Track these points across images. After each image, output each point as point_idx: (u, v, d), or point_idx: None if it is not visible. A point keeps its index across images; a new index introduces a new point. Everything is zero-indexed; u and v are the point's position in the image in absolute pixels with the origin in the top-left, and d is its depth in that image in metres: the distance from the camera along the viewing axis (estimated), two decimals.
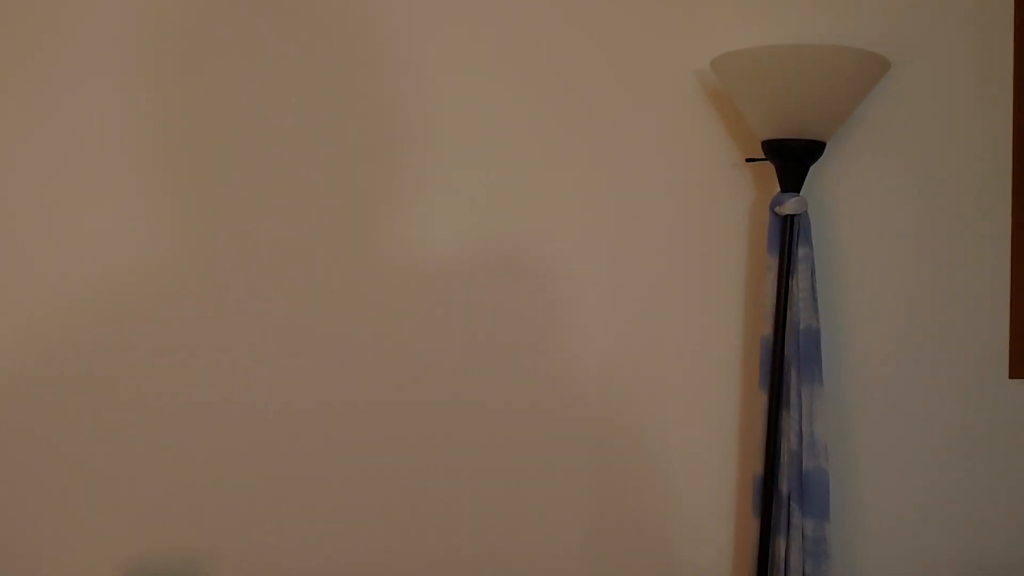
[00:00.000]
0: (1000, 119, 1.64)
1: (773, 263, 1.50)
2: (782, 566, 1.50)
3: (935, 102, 1.62)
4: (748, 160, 1.53)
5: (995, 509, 1.67)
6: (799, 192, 1.47)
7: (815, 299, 1.48)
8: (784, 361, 1.49)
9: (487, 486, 1.57)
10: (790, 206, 1.46)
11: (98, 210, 1.48)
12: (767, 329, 1.50)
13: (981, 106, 1.63)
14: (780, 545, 1.50)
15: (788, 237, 1.47)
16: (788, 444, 1.49)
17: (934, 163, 1.62)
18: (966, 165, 1.63)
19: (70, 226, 1.48)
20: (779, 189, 1.52)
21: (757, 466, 1.52)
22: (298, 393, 1.53)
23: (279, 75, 1.50)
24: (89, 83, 1.47)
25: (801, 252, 1.48)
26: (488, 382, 1.56)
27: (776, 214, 1.49)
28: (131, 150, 1.48)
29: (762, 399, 1.51)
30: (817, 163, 1.59)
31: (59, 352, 1.48)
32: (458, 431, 1.56)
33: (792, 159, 1.45)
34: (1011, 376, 1.66)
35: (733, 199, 1.59)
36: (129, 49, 1.48)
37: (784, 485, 1.50)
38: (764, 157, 1.52)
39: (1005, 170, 1.64)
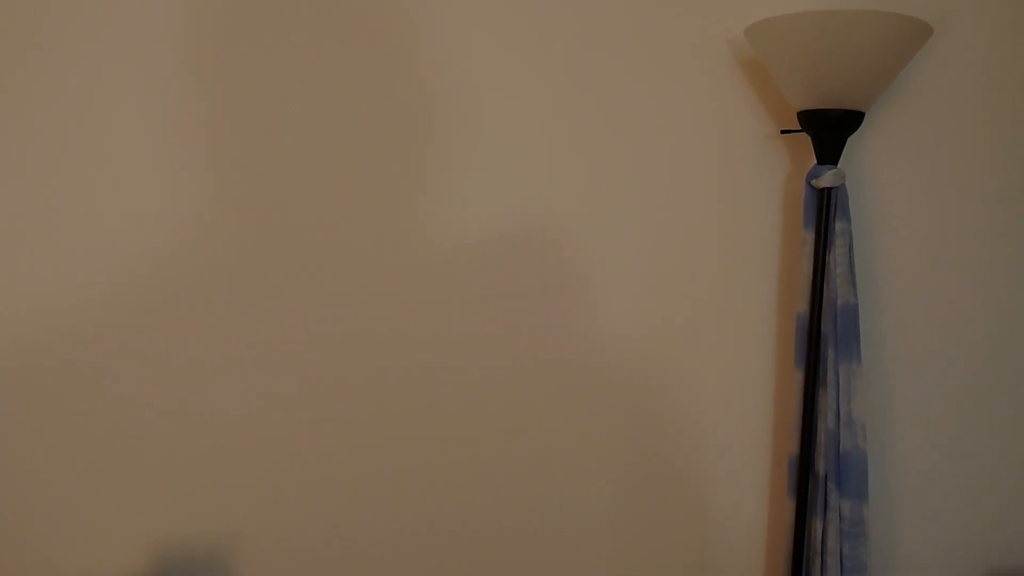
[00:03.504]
0: None
1: (809, 238, 1.45)
2: (818, 547, 1.47)
3: (979, 71, 1.56)
4: (783, 132, 1.49)
5: None
6: (836, 164, 1.43)
7: (853, 275, 1.44)
8: (821, 338, 1.45)
9: (519, 463, 1.55)
10: (827, 179, 1.41)
11: (136, 193, 1.47)
12: (803, 305, 1.46)
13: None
14: (817, 526, 1.47)
15: (825, 211, 1.43)
16: (825, 423, 1.45)
17: (977, 135, 1.56)
18: (1010, 138, 1.57)
19: (104, 212, 1.47)
20: (815, 161, 1.47)
21: (793, 446, 1.49)
22: (332, 367, 1.51)
23: (310, 62, 1.47)
24: (125, 70, 1.45)
25: (838, 226, 1.43)
26: (518, 359, 1.53)
27: (812, 187, 1.44)
28: (165, 136, 1.46)
29: (797, 377, 1.48)
30: (855, 134, 1.54)
31: (80, 337, 1.47)
32: (488, 404, 1.54)
33: (829, 130, 1.40)
34: None
35: (768, 172, 1.54)
36: (171, 30, 1.45)
37: (821, 465, 1.46)
38: (800, 128, 1.47)
39: None
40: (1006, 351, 1.59)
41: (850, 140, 1.54)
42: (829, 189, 1.42)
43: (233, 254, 1.47)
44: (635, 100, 1.52)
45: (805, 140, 1.54)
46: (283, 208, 1.47)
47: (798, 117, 1.43)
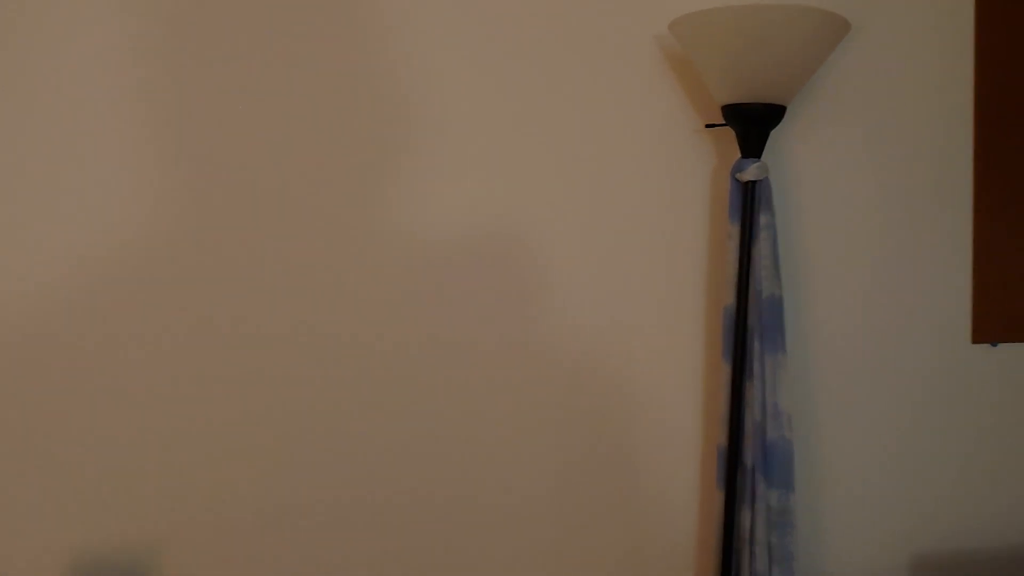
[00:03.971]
0: (963, 84, 1.62)
1: (735, 231, 1.47)
2: (747, 537, 1.48)
3: (897, 67, 1.59)
4: (708, 126, 1.50)
5: (960, 473, 1.66)
6: (760, 158, 1.44)
7: (778, 267, 1.45)
8: (747, 331, 1.47)
9: (463, 452, 1.53)
10: (751, 172, 1.43)
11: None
12: (730, 298, 1.48)
13: (944, 71, 1.61)
14: (745, 516, 1.48)
15: (749, 204, 1.44)
16: (752, 415, 1.47)
17: (897, 129, 1.60)
18: (929, 131, 1.61)
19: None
20: (740, 155, 1.49)
21: (721, 437, 1.50)
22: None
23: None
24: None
25: (763, 219, 1.45)
26: (458, 353, 1.52)
27: (737, 180, 1.46)
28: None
29: (725, 370, 1.49)
30: (778, 128, 1.56)
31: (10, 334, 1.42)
32: (435, 395, 1.52)
33: (752, 124, 1.42)
34: (974, 341, 1.65)
35: (696, 166, 1.55)
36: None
37: (748, 456, 1.48)
38: (724, 123, 1.49)
39: (968, 136, 1.62)
40: (926, 340, 1.63)
41: (774, 134, 1.56)
42: (753, 182, 1.44)
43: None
44: (563, 98, 1.52)
45: (731, 135, 1.55)
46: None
47: (722, 111, 1.44)
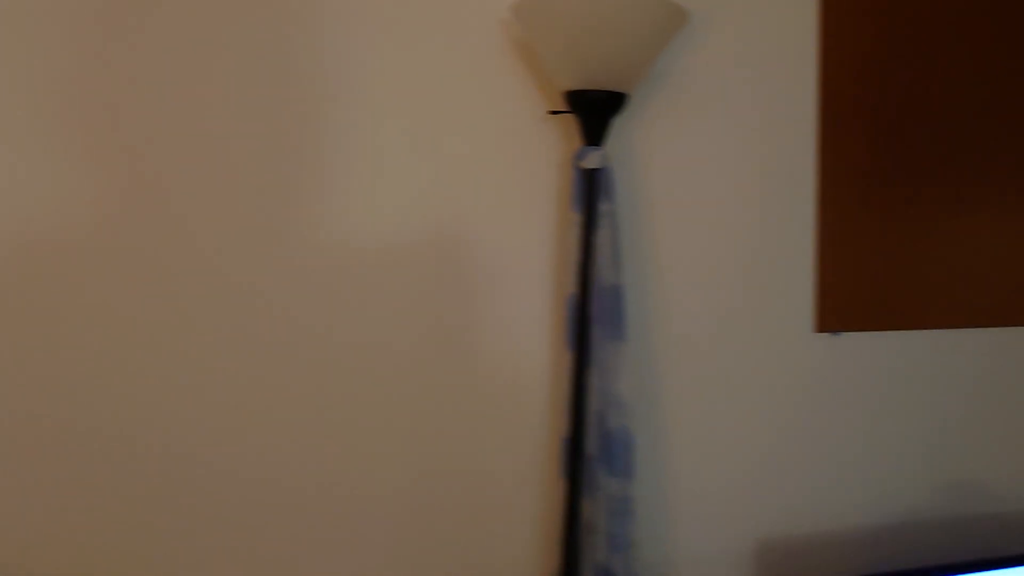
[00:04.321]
0: (807, 78, 1.65)
1: (577, 219, 1.46)
2: (590, 528, 1.48)
3: (742, 59, 1.61)
4: (551, 112, 1.48)
5: (803, 459, 1.70)
6: (602, 146, 1.44)
7: (619, 256, 1.45)
8: (589, 319, 1.46)
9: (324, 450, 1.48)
10: (592, 160, 1.42)
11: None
12: (573, 287, 1.47)
13: (788, 64, 1.64)
14: (587, 506, 1.48)
15: (592, 192, 1.43)
16: (593, 404, 1.46)
17: (742, 121, 1.61)
18: (773, 124, 1.63)
19: None
20: (583, 143, 1.48)
21: (565, 427, 1.49)
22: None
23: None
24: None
25: (604, 208, 1.44)
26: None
27: (579, 168, 1.44)
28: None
29: (568, 358, 1.48)
30: (623, 117, 1.56)
31: None
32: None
33: (593, 111, 1.41)
34: (817, 330, 1.68)
35: (542, 154, 1.54)
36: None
37: (590, 445, 1.47)
38: (567, 109, 1.47)
39: (811, 129, 1.65)
40: (772, 330, 1.65)
41: (619, 123, 1.56)
42: (595, 170, 1.43)
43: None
44: (409, 85, 1.48)
45: (576, 122, 1.54)
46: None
47: (564, 98, 1.43)
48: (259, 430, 1.46)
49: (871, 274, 1.70)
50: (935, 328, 1.75)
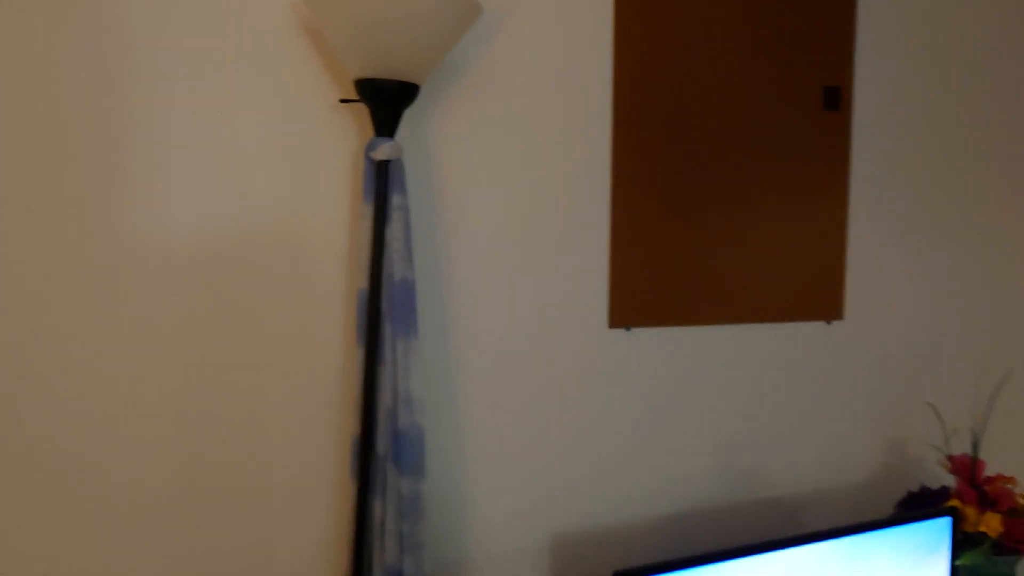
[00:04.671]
0: (600, 72, 1.68)
1: (369, 212, 1.42)
2: (380, 528, 1.44)
3: (535, 53, 1.61)
4: (343, 101, 1.43)
5: (596, 454, 1.72)
6: (393, 137, 1.40)
7: (410, 250, 1.42)
8: (380, 315, 1.42)
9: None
10: (383, 151, 1.38)
11: None
12: (363, 282, 1.42)
13: (584, 63, 1.66)
14: (378, 507, 1.44)
15: (383, 184, 1.39)
16: (384, 401, 1.43)
17: (535, 115, 1.62)
18: (567, 119, 1.65)
19: None
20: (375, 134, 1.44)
21: (355, 426, 1.44)
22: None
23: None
24: None
25: (395, 200, 1.41)
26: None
27: (371, 160, 1.40)
28: None
29: (359, 355, 1.43)
30: (419, 109, 1.53)
31: None
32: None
33: (384, 101, 1.37)
34: (611, 326, 1.72)
35: (334, 144, 1.48)
36: None
37: (381, 444, 1.43)
38: (359, 98, 1.43)
39: (606, 125, 1.68)
40: (566, 326, 1.67)
41: (412, 114, 1.53)
42: (387, 162, 1.39)
43: None
44: (196, 70, 1.39)
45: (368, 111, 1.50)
46: None
47: (355, 86, 1.38)
48: (46, 413, 1.32)
49: (661, 272, 1.75)
50: (720, 324, 1.83)
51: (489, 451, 1.63)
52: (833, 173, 1.94)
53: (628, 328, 1.74)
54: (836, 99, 1.95)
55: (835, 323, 1.98)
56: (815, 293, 1.93)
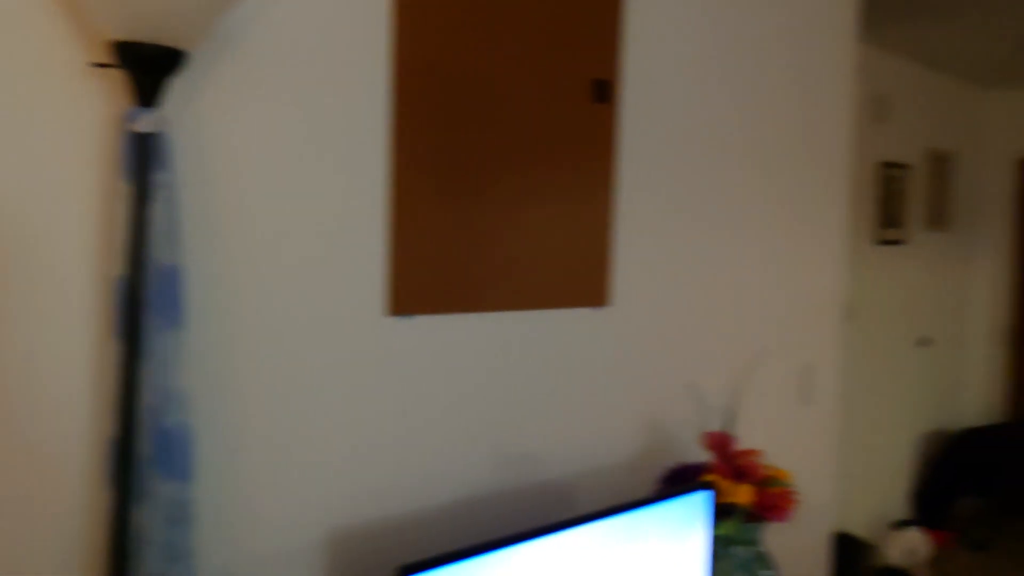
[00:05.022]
0: (378, 51, 1.62)
1: (127, 190, 1.28)
2: (143, 538, 1.31)
3: (312, 28, 1.53)
4: (95, 65, 1.28)
5: (375, 446, 1.68)
6: (157, 107, 1.27)
7: (176, 233, 1.30)
8: (141, 305, 1.29)
9: None
10: (145, 123, 1.25)
11: None
12: (121, 268, 1.28)
13: (362, 36, 1.60)
14: (139, 514, 1.31)
15: (144, 160, 1.26)
16: (146, 399, 1.30)
17: (311, 93, 1.54)
18: (345, 101, 1.58)
19: None
20: (136, 103, 1.30)
21: (112, 427, 1.30)
22: None
23: None
24: None
25: (159, 178, 1.28)
26: None
27: (130, 132, 1.27)
28: None
29: (117, 350, 1.30)
30: (184, 78, 1.40)
31: None
32: None
33: (145, 67, 1.24)
34: (389, 314, 1.67)
35: (84, 114, 1.32)
36: None
37: (142, 446, 1.31)
38: (115, 63, 1.28)
39: (383, 109, 1.63)
40: (341, 313, 1.61)
41: (180, 84, 1.39)
42: (149, 135, 1.26)
43: None
44: None
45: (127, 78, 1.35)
46: None
47: (111, 49, 1.24)
48: None
49: (441, 259, 1.73)
50: (496, 311, 1.84)
51: (263, 448, 1.53)
52: (602, 164, 2.00)
53: (407, 316, 1.71)
54: (605, 92, 2.01)
55: (602, 309, 2.05)
56: (584, 280, 1.99)
